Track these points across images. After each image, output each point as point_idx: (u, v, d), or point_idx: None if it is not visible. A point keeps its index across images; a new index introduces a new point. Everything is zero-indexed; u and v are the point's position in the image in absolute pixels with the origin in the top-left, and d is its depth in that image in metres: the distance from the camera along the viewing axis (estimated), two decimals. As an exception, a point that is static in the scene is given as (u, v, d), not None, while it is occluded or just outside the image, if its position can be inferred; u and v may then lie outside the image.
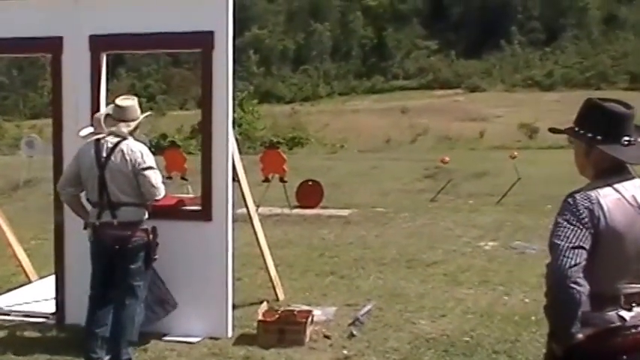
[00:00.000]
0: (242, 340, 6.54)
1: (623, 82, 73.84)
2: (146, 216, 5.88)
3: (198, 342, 6.43)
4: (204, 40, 6.39)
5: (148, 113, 6.33)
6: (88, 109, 6.51)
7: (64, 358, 6.12)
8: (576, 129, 3.21)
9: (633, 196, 3.10)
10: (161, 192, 5.86)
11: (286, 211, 14.63)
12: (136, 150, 5.77)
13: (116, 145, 5.76)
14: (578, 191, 3.10)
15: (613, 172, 3.13)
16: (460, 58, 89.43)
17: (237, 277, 8.08)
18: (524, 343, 6.42)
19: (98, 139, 5.82)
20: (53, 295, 7.05)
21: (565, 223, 3.01)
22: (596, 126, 3.14)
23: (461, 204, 16.13)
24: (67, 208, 6.38)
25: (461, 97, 75.58)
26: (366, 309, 7.36)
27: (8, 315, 7.20)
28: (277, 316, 6.67)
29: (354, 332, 6.74)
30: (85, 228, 5.95)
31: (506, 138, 43.89)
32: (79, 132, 6.20)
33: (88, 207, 5.96)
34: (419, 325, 7.02)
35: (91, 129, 6.06)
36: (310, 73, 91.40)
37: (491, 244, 11.19)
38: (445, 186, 17.73)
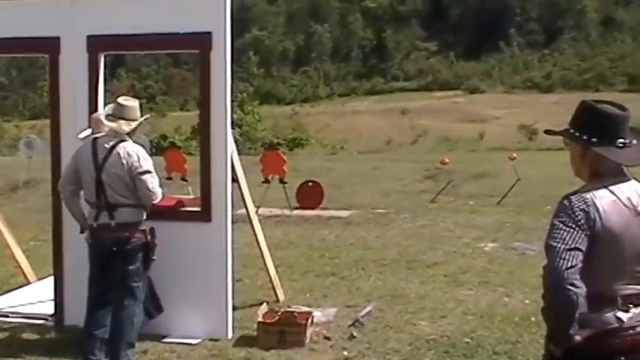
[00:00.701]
0: (242, 341, 6.52)
1: (621, 84, 74.20)
2: (144, 217, 5.85)
3: (198, 343, 6.42)
4: (202, 40, 6.37)
5: (148, 116, 6.31)
6: (85, 110, 6.50)
7: (63, 360, 6.09)
8: (572, 131, 3.22)
9: (629, 198, 3.10)
10: (158, 196, 5.83)
11: (286, 212, 14.61)
12: (133, 153, 5.73)
13: (114, 146, 5.72)
14: (573, 193, 3.11)
15: (608, 174, 3.14)
16: (459, 60, 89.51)
17: (237, 279, 8.07)
18: (524, 344, 6.40)
19: (95, 140, 5.79)
20: (52, 296, 7.02)
21: (561, 225, 3.02)
22: (591, 128, 3.14)
23: (461, 205, 16.11)
24: (66, 208, 6.37)
25: (460, 98, 75.68)
26: (366, 310, 7.35)
27: (7, 317, 7.17)
28: (277, 317, 6.65)
29: (355, 333, 6.72)
30: (81, 232, 5.93)
31: (506, 139, 43.93)
32: (77, 134, 6.19)
33: (86, 207, 5.93)
34: (419, 326, 7.01)
35: (89, 131, 6.04)
36: (310, 75, 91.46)
37: (491, 245, 11.17)
38: (445, 187, 17.72)
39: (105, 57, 6.83)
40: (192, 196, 8.90)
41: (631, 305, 3.08)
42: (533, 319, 6.84)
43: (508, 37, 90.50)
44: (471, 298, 8.04)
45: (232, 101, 6.85)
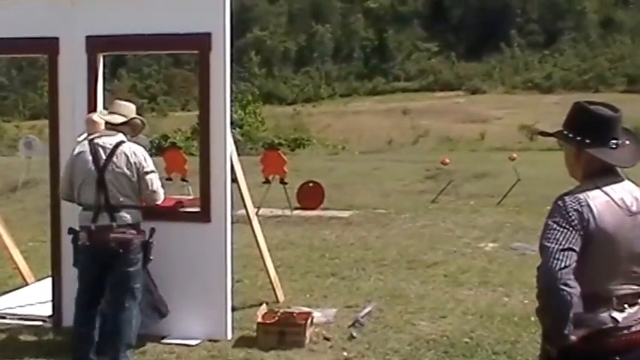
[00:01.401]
0: (242, 342, 6.52)
1: (621, 85, 74.34)
2: (141, 218, 5.84)
3: (197, 344, 6.41)
4: (201, 41, 6.37)
5: (142, 119, 6.29)
6: (84, 111, 6.49)
7: (61, 362, 6.08)
8: (565, 132, 3.25)
9: (622, 199, 3.12)
10: (161, 196, 5.88)
11: (287, 212, 14.61)
12: (139, 153, 5.76)
13: (116, 146, 5.72)
14: (567, 194, 3.14)
15: (602, 174, 3.16)
16: (460, 60, 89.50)
17: (237, 279, 8.07)
18: (524, 343, 6.41)
19: (92, 141, 5.78)
20: (50, 297, 7.00)
21: (555, 225, 3.04)
22: (585, 129, 3.17)
23: (461, 205, 16.11)
24: (65, 209, 6.36)
25: (462, 98, 75.61)
26: (366, 310, 7.34)
27: (4, 318, 7.15)
28: (277, 318, 6.64)
29: (354, 334, 6.72)
30: (71, 232, 5.86)
31: (507, 139, 43.88)
32: (77, 138, 6.18)
33: (75, 210, 5.89)
34: (419, 326, 7.01)
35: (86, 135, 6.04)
36: (312, 75, 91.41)
37: (491, 245, 11.18)
38: (446, 187, 17.71)
39: (104, 57, 6.82)
40: (191, 197, 8.88)
41: (626, 305, 3.10)
42: (532, 318, 6.81)
43: (509, 37, 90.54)
44: (470, 298, 8.04)
45: (233, 101, 6.84)
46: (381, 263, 9.85)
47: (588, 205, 3.05)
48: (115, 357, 5.69)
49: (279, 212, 14.56)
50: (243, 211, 7.51)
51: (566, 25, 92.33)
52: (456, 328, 6.90)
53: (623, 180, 3.21)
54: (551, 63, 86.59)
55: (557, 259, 2.94)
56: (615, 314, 3.08)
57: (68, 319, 6.66)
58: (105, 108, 6.42)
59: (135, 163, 5.70)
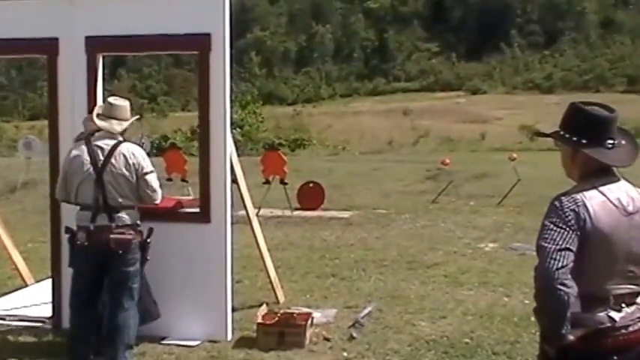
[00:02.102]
0: (241, 342, 6.51)
1: (621, 85, 74.43)
2: (139, 217, 5.84)
3: (197, 345, 6.40)
4: (201, 42, 6.37)
5: (137, 116, 6.28)
6: (84, 111, 6.46)
7: (61, 363, 6.06)
8: (561, 133, 3.27)
9: (618, 198, 3.14)
10: (159, 196, 5.88)
11: (287, 212, 14.60)
12: (137, 154, 5.76)
13: (115, 147, 5.70)
14: (564, 194, 3.16)
15: (598, 174, 3.19)
16: (461, 61, 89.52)
17: (237, 280, 8.07)
18: (523, 344, 6.41)
19: (89, 141, 5.75)
20: (50, 299, 6.97)
21: (551, 225, 3.06)
22: (581, 130, 3.19)
23: (461, 205, 16.10)
24: (64, 210, 6.35)
25: (462, 99, 75.61)
26: (366, 311, 7.34)
27: (4, 319, 7.13)
28: (277, 318, 6.64)
29: (354, 334, 6.71)
30: (67, 232, 5.84)
31: (507, 140, 43.82)
32: (75, 137, 6.16)
33: (75, 210, 5.88)
34: (419, 326, 7.00)
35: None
36: (312, 75, 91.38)
37: (491, 245, 11.18)
38: (446, 187, 17.71)
39: (104, 58, 6.81)
40: (191, 197, 8.88)
41: (623, 304, 3.12)
42: (532, 319, 6.75)
43: (509, 38, 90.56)
44: (470, 298, 8.03)
45: (233, 101, 6.83)
46: (381, 264, 9.84)
47: (585, 205, 3.07)
48: (114, 357, 5.68)
49: (280, 213, 14.56)
50: (243, 212, 7.50)
51: (566, 26, 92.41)
52: (455, 329, 6.90)
53: (619, 180, 3.23)
54: (552, 63, 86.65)
55: (555, 259, 2.96)
56: (613, 314, 3.10)
57: (68, 320, 6.64)
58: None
59: (134, 164, 5.69)
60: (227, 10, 6.36)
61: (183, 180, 14.71)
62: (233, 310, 6.82)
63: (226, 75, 6.41)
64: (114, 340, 5.69)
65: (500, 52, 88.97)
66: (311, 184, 15.86)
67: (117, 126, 5.79)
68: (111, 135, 5.77)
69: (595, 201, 3.09)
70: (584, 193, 3.11)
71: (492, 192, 17.67)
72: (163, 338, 6.49)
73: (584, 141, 3.17)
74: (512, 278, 8.85)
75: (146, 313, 6.13)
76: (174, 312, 6.48)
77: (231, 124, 6.79)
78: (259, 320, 6.56)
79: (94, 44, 6.60)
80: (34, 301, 7.55)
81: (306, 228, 13.04)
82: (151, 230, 5.86)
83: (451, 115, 61.54)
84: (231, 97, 6.57)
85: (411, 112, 63.06)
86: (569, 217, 3.04)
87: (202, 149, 6.62)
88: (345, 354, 6.29)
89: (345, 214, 14.49)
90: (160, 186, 5.94)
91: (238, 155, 7.03)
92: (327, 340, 6.60)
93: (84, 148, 5.76)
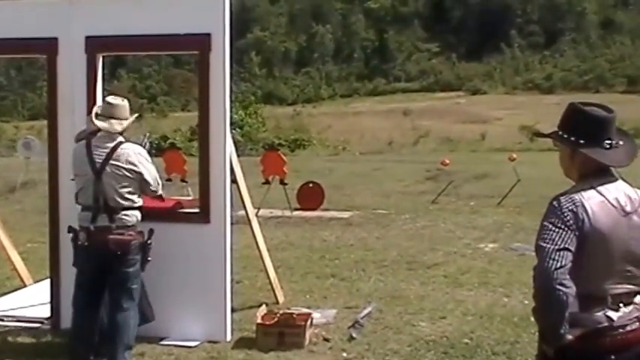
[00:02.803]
0: (241, 343, 6.50)
1: (621, 86, 74.55)
2: (140, 218, 5.83)
3: (196, 346, 6.39)
4: (201, 42, 6.36)
5: (137, 115, 6.25)
6: (84, 111, 6.45)
7: (59, 364, 6.05)
8: (560, 133, 3.29)
9: (616, 198, 3.16)
10: (160, 187, 5.95)
11: (287, 213, 14.60)
12: (137, 152, 5.75)
13: (115, 148, 5.69)
14: (562, 194, 3.18)
15: (596, 174, 3.20)
16: (461, 61, 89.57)
17: (236, 280, 8.07)
18: (523, 344, 6.41)
19: (89, 142, 5.74)
20: (48, 299, 6.95)
21: (550, 225, 3.08)
22: (579, 130, 3.21)
23: (461, 206, 16.10)
24: (64, 210, 6.34)
25: (462, 99, 75.63)
26: (366, 311, 7.33)
27: (2, 320, 7.11)
28: (276, 319, 6.63)
29: (354, 335, 6.71)
30: (70, 231, 5.85)
31: (507, 140, 43.82)
32: (75, 134, 6.16)
33: (75, 210, 5.87)
34: (419, 327, 7.00)
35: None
36: (312, 75, 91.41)
37: (491, 245, 11.17)
38: (446, 188, 17.70)
39: (103, 58, 6.80)
40: (191, 197, 8.87)
41: (621, 304, 3.14)
42: (531, 319, 6.75)
43: (509, 38, 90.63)
44: (470, 298, 8.03)
45: (233, 102, 6.82)
46: (381, 264, 9.84)
47: (583, 206, 3.09)
48: (114, 358, 5.67)
49: (279, 213, 14.56)
50: (243, 212, 7.50)
51: (566, 26, 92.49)
52: (455, 329, 6.90)
53: (617, 180, 3.24)
54: (552, 64, 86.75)
55: (553, 259, 2.98)
56: (610, 313, 3.11)
57: (67, 321, 6.63)
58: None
59: (133, 164, 5.68)
60: (227, 10, 6.36)
61: (182, 180, 14.69)
62: (233, 310, 6.82)
63: (226, 75, 6.40)
64: (113, 341, 5.70)
65: (501, 53, 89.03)
66: (311, 185, 15.86)
67: (117, 126, 5.76)
68: (111, 135, 5.75)
69: (593, 201, 3.11)
70: (583, 193, 3.13)
71: (492, 192, 17.67)
72: (163, 339, 6.48)
73: (582, 141, 3.19)
74: (512, 278, 8.85)
75: (142, 315, 6.10)
76: (174, 312, 6.48)
77: (231, 124, 6.79)
78: (259, 321, 6.56)
79: (94, 44, 6.59)
80: (33, 301, 7.52)
81: (305, 228, 13.04)
82: (151, 231, 5.85)
83: (451, 115, 61.56)
84: (231, 97, 6.56)
85: (411, 112, 63.08)
86: (568, 218, 3.06)
87: (202, 149, 6.61)
88: (344, 354, 6.29)
89: (345, 215, 14.49)
90: (161, 185, 5.95)
91: (238, 155, 7.02)
92: (327, 340, 6.60)
93: (83, 149, 5.75)
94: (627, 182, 3.29)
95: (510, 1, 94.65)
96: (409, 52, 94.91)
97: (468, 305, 7.74)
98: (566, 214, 3.06)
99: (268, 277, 7.81)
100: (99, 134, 5.76)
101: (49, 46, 6.69)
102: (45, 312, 7.03)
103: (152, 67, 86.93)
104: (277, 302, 7.74)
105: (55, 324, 6.84)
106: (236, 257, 7.04)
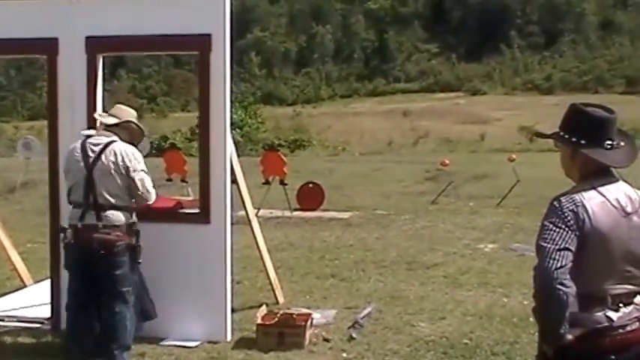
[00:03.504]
0: (241, 343, 6.50)
1: (620, 86, 74.84)
2: (132, 219, 5.74)
3: (196, 346, 6.39)
4: (201, 42, 6.36)
5: (132, 119, 6.13)
6: (84, 111, 6.47)
7: (59, 364, 6.05)
8: (561, 133, 3.30)
9: (617, 199, 3.17)
10: (152, 196, 5.77)
11: (287, 213, 14.61)
12: (129, 152, 5.67)
13: (107, 145, 5.64)
14: (563, 194, 3.18)
15: (597, 175, 3.21)
16: (461, 62, 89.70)
17: (237, 280, 8.08)
18: (522, 344, 6.41)
19: (85, 140, 5.72)
20: (49, 299, 6.93)
21: (551, 225, 3.08)
22: (580, 130, 3.22)
23: (461, 206, 16.12)
24: (64, 210, 6.35)
25: (462, 100, 75.76)
26: (365, 312, 7.34)
27: (2, 320, 7.10)
28: (276, 319, 6.63)
29: (354, 335, 6.71)
30: (61, 231, 5.81)
31: (507, 141, 43.92)
32: (81, 132, 6.11)
33: (69, 208, 5.84)
34: (418, 327, 7.00)
35: (93, 131, 6.00)
36: (312, 76, 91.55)
37: (490, 246, 11.19)
38: (445, 188, 17.72)
39: (104, 58, 6.80)
40: (191, 198, 8.88)
41: (621, 304, 3.14)
42: (531, 319, 6.77)
43: (509, 39, 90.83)
44: (470, 299, 8.04)
45: (233, 102, 6.83)
46: (381, 264, 9.85)
47: (584, 206, 3.09)
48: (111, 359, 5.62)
49: (279, 213, 14.57)
50: (243, 212, 7.51)
51: (565, 27, 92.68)
52: (455, 329, 6.90)
53: (618, 181, 3.25)
54: (551, 64, 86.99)
55: (554, 259, 2.99)
56: (610, 314, 3.12)
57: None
58: (105, 111, 6.37)
59: (124, 162, 5.60)
60: (227, 10, 6.35)
61: (182, 180, 14.72)
62: (233, 310, 6.82)
63: (226, 75, 6.40)
64: (108, 343, 5.62)
65: (500, 53, 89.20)
66: (311, 185, 15.88)
67: (112, 119, 5.79)
68: (107, 134, 5.74)
69: (594, 201, 3.11)
70: (583, 193, 3.14)
71: (492, 193, 17.70)
72: (163, 339, 6.47)
73: (583, 142, 3.20)
74: (511, 279, 8.86)
75: (144, 312, 6.10)
76: (174, 313, 6.48)
77: (231, 124, 6.79)
78: (259, 321, 6.56)
79: (94, 44, 6.59)
80: (33, 301, 7.51)
81: (305, 229, 13.05)
82: (137, 233, 5.73)
83: (451, 115, 61.64)
84: (231, 97, 6.56)
85: (411, 112, 63.18)
86: (569, 218, 3.07)
87: (202, 150, 6.61)
88: (344, 354, 6.29)
89: (345, 215, 14.51)
90: (156, 186, 5.89)
91: (238, 156, 7.03)
92: (327, 340, 6.60)
93: (79, 145, 5.73)
94: (628, 183, 3.30)
95: (510, 1, 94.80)
96: (409, 52, 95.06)
97: (467, 305, 7.74)
98: (566, 214, 3.07)
99: (268, 278, 7.81)
100: (96, 133, 5.76)
101: (49, 46, 6.68)
102: (45, 312, 7.01)
103: (152, 67, 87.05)
104: (277, 302, 7.75)
105: (55, 324, 6.81)
106: (236, 257, 7.05)
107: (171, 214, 6.59)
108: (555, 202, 3.14)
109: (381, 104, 74.69)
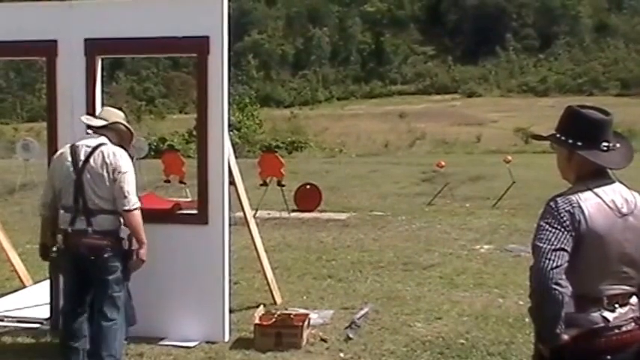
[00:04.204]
0: (239, 344, 6.53)
1: (614, 89, 75.01)
2: (122, 224, 5.57)
3: (194, 346, 6.41)
4: (199, 45, 6.39)
5: (127, 125, 6.07)
6: (83, 113, 6.41)
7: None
8: (558, 135, 3.32)
9: (613, 200, 3.19)
10: (131, 204, 5.39)
11: (284, 214, 14.64)
12: (117, 154, 5.49)
13: (95, 148, 5.51)
14: (559, 195, 3.20)
15: (593, 176, 3.23)
16: (457, 64, 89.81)
17: (234, 281, 8.10)
18: (518, 344, 6.45)
19: (74, 144, 5.59)
20: (48, 300, 6.91)
21: (547, 226, 3.10)
22: (577, 132, 3.24)
23: (457, 207, 16.15)
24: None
25: (458, 102, 75.85)
26: (362, 312, 7.37)
27: (2, 320, 7.12)
28: (274, 319, 6.67)
29: (351, 335, 6.75)
30: (53, 235, 5.60)
31: (502, 142, 43.93)
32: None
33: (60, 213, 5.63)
34: (415, 327, 7.04)
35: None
36: (309, 78, 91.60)
37: (486, 247, 11.23)
38: (442, 190, 17.75)
39: (102, 60, 6.83)
40: (189, 199, 8.91)
41: (617, 305, 3.16)
42: (527, 320, 6.84)
43: (504, 41, 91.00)
44: (466, 299, 8.07)
45: (231, 104, 6.85)
46: (378, 265, 9.88)
47: (580, 207, 3.11)
48: None
49: (277, 214, 14.59)
50: (241, 214, 7.54)
51: (560, 30, 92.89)
52: (451, 330, 6.94)
53: (614, 182, 3.27)
54: (546, 67, 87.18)
55: (549, 259, 3.00)
56: (606, 314, 3.14)
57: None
58: (106, 106, 6.35)
59: (110, 164, 5.42)
60: (225, 13, 6.39)
61: (181, 182, 14.75)
62: (230, 311, 6.84)
63: (224, 77, 6.42)
64: (98, 351, 5.49)
65: (496, 56, 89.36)
66: (308, 186, 15.90)
67: (98, 121, 5.68)
68: (95, 137, 5.60)
69: (590, 202, 3.14)
70: (580, 194, 3.16)
71: (487, 194, 17.74)
72: (161, 339, 6.50)
73: (579, 143, 3.22)
74: (507, 279, 8.90)
75: (127, 318, 5.97)
76: (172, 313, 6.51)
77: (229, 126, 6.83)
78: (256, 321, 6.58)
79: (93, 47, 6.61)
80: (32, 302, 7.52)
81: (303, 230, 13.08)
82: (130, 237, 5.54)
83: (447, 117, 61.65)
84: (229, 99, 6.60)
85: (407, 114, 63.17)
86: (565, 218, 3.09)
87: (200, 151, 6.63)
88: (341, 355, 6.33)
89: (342, 216, 14.53)
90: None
91: (236, 157, 7.05)
92: (324, 340, 6.63)
93: (67, 149, 5.61)
94: (624, 184, 3.33)
95: (505, 4, 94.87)
96: (405, 55, 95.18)
97: (463, 306, 7.78)
98: (562, 215, 3.09)
99: (266, 278, 7.85)
100: (85, 136, 5.69)
101: (48, 48, 6.70)
102: (44, 312, 7.01)
103: (150, 69, 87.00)
104: (275, 303, 7.78)
105: (55, 324, 6.78)
106: (234, 258, 7.09)
107: (169, 215, 6.61)
108: (551, 203, 3.16)
109: (378, 106, 74.75)
